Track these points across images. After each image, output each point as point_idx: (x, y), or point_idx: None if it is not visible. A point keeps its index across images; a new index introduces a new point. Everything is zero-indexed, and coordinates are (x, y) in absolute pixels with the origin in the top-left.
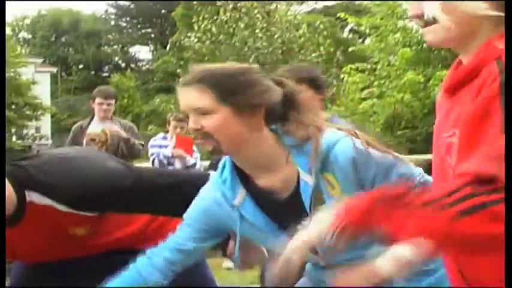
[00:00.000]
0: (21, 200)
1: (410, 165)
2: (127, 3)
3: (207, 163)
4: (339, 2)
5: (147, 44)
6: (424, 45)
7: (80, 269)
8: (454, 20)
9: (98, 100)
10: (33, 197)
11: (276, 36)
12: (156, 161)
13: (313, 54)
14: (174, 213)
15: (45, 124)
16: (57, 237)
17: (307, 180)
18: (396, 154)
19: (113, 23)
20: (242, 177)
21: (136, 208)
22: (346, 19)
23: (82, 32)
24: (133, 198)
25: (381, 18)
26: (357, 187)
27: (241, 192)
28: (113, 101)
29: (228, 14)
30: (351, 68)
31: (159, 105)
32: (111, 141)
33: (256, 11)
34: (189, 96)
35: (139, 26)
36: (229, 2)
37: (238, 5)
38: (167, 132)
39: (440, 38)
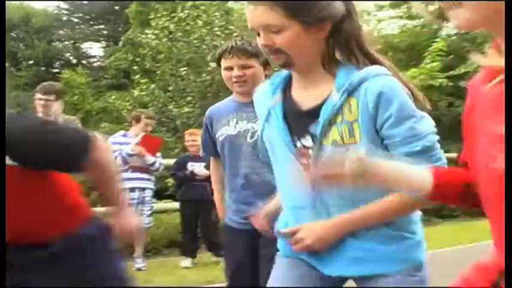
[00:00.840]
0: None
1: (430, 128)
2: None
3: (171, 161)
4: None
5: (99, 41)
6: None
7: None
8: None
9: (37, 95)
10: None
11: (234, 34)
12: (118, 158)
13: None
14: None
15: None
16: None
17: (334, 98)
18: (425, 114)
19: (65, 18)
20: (285, 86)
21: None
22: None
23: (33, 27)
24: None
25: None
26: (370, 121)
27: (278, 96)
28: (52, 97)
29: (186, 11)
30: None
31: (113, 102)
32: None
33: (214, 9)
34: (259, 14)
35: (91, 22)
36: None
37: (197, 2)
38: (127, 130)
39: (465, 22)
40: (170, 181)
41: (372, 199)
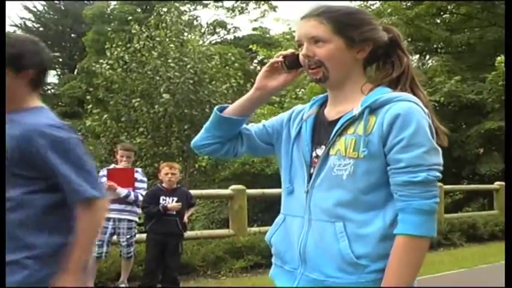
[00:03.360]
0: None
1: (437, 162)
2: (36, 25)
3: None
4: (249, 33)
5: (54, 68)
6: None
7: None
8: None
9: None
10: None
11: (188, 66)
12: None
13: (224, 86)
14: None
15: None
16: None
17: (354, 111)
18: (438, 147)
19: None
20: (321, 104)
21: None
22: (256, 51)
23: None
24: None
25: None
26: (380, 141)
27: (312, 111)
28: None
29: (141, 42)
30: None
31: None
32: None
33: (169, 41)
34: (308, 26)
35: (47, 50)
36: (143, 30)
37: (153, 34)
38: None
39: None
40: None
41: (354, 217)
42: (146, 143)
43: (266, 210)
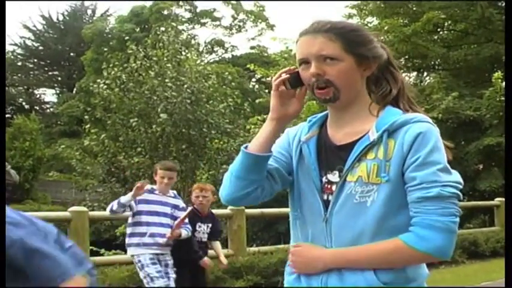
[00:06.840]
0: None
1: (454, 180)
2: (35, 44)
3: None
4: (247, 52)
5: (53, 87)
6: None
7: None
8: None
9: None
10: None
11: (185, 86)
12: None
13: (221, 105)
14: None
15: None
16: None
17: (371, 136)
18: (454, 171)
19: (19, 64)
20: (321, 124)
21: None
22: (254, 70)
23: None
24: None
25: None
26: (400, 162)
27: (312, 132)
28: None
29: (138, 62)
30: (257, 119)
31: (63, 150)
32: None
33: (166, 60)
34: (317, 44)
35: (46, 68)
36: (140, 49)
37: (150, 53)
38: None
39: None
40: (119, 230)
41: (373, 235)
42: (144, 163)
43: (265, 230)
